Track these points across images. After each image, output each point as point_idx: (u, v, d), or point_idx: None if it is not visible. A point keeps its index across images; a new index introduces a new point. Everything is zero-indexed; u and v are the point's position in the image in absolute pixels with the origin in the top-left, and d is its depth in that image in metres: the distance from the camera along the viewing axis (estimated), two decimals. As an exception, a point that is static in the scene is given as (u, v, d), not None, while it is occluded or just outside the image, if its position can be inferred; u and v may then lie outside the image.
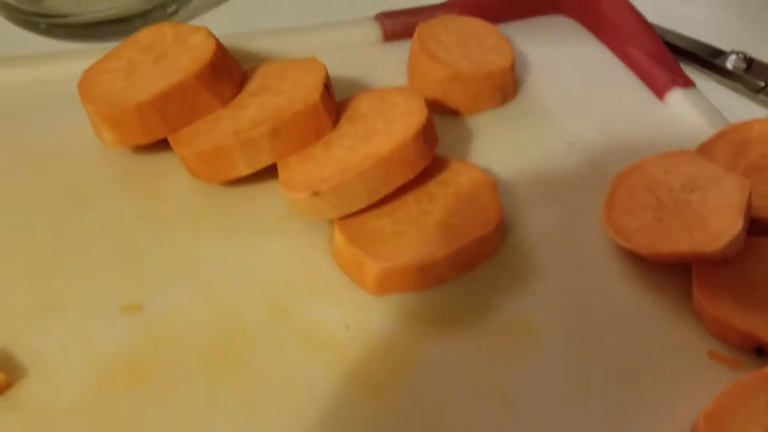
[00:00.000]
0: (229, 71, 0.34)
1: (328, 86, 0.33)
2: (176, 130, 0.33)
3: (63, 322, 0.29)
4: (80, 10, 0.42)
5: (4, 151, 0.35)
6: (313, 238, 0.32)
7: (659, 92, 0.40)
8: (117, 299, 0.30)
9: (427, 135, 0.32)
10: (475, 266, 0.31)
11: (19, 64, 0.38)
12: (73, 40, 0.42)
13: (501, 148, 0.37)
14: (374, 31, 0.42)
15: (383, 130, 0.32)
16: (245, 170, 0.32)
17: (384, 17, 0.42)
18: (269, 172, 0.33)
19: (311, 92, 0.32)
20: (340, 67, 0.39)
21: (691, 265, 0.30)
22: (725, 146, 0.34)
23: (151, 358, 0.28)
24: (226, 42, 0.37)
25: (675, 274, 0.31)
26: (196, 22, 0.44)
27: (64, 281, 0.30)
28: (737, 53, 0.42)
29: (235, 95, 0.34)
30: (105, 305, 0.29)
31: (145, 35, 0.35)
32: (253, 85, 0.35)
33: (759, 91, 0.41)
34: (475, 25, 0.40)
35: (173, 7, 0.43)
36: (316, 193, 0.30)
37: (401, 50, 0.41)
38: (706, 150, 0.34)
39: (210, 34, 0.34)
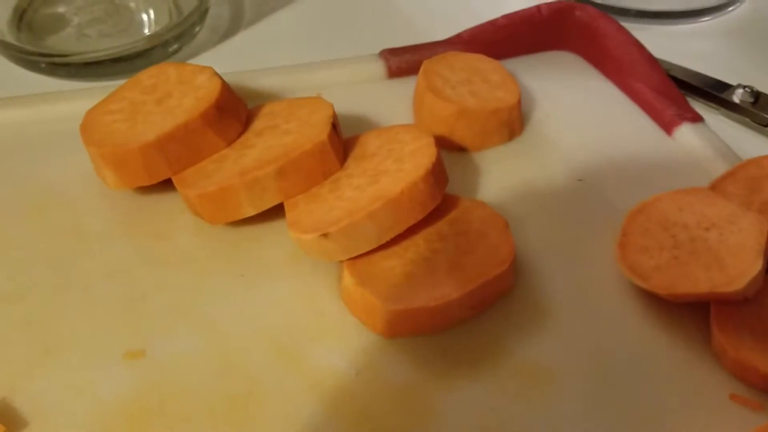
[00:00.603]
0: (234, 111, 0.33)
1: (335, 125, 0.33)
2: (180, 170, 0.32)
3: (63, 370, 0.28)
4: (81, 50, 0.41)
5: (6, 192, 0.34)
6: (321, 279, 0.31)
7: (667, 127, 0.40)
8: (119, 346, 0.29)
9: (437, 174, 0.31)
10: (488, 308, 0.31)
11: (21, 104, 0.38)
12: (75, 79, 0.41)
13: (510, 184, 0.36)
14: (379, 67, 0.42)
15: (392, 170, 0.31)
16: (251, 211, 0.32)
17: (388, 54, 0.42)
18: (275, 212, 0.32)
19: (319, 131, 0.32)
20: (345, 104, 0.39)
21: (709, 305, 0.30)
22: (738, 183, 0.33)
23: (153, 407, 0.27)
24: (230, 80, 0.36)
25: (693, 314, 0.30)
26: (198, 60, 0.44)
27: (65, 328, 0.29)
28: (744, 87, 0.42)
29: (240, 135, 0.34)
30: (107, 352, 0.29)
31: (148, 75, 0.35)
32: (258, 124, 0.34)
33: (767, 125, 0.41)
34: (480, 61, 0.40)
35: (175, 46, 0.43)
36: (325, 235, 0.29)
37: (406, 86, 0.41)
38: (718, 187, 0.34)
39: (215, 74, 0.34)
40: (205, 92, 0.33)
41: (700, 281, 0.29)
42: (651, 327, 0.30)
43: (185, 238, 0.33)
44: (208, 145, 0.32)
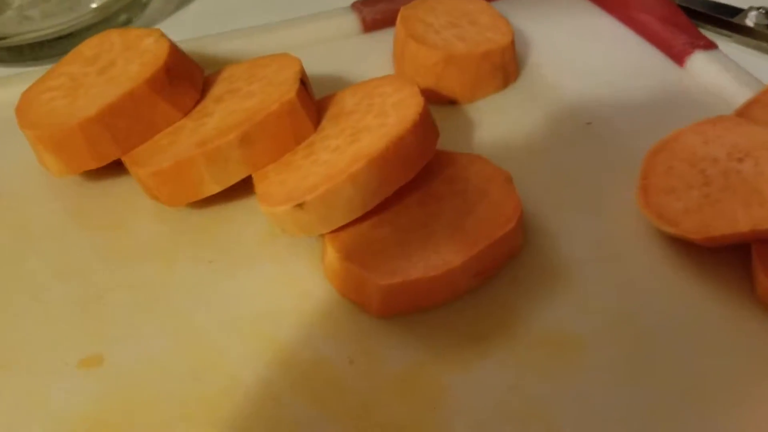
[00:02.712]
0: (188, 76, 0.29)
1: (305, 82, 0.29)
2: (130, 148, 0.28)
3: (13, 383, 0.24)
4: (22, 30, 0.37)
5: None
6: (302, 257, 0.28)
7: (678, 58, 0.35)
8: (74, 353, 0.25)
9: (425, 126, 0.27)
10: (495, 273, 0.27)
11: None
12: (20, 64, 0.37)
13: (509, 136, 0.32)
14: (352, 21, 0.37)
15: (374, 125, 0.27)
16: (215, 188, 0.28)
17: (361, 5, 0.38)
18: (244, 187, 0.28)
19: (286, 90, 0.28)
20: (318, 64, 0.35)
21: (750, 247, 0.26)
22: (766, 108, 0.29)
23: (117, 419, 0.23)
24: (188, 46, 0.32)
25: (732, 259, 0.26)
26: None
27: (14, 337, 0.26)
28: (757, 9, 0.38)
29: (197, 103, 0.29)
30: (59, 361, 0.25)
31: (90, 46, 0.30)
32: (217, 89, 0.30)
33: (788, 46, 0.37)
34: (466, 2, 0.36)
35: (124, 17, 0.39)
36: (300, 205, 0.25)
37: (384, 40, 0.37)
38: (745, 114, 0.29)
39: (162, 35, 0.30)
40: (152, 56, 0.28)
41: (739, 219, 0.25)
42: (685, 279, 0.26)
43: (144, 226, 0.29)
44: (160, 116, 0.28)
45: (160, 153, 0.28)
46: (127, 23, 0.39)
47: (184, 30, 0.39)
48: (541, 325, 0.25)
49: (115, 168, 0.29)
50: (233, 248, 0.28)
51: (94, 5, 0.39)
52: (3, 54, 0.37)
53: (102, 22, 0.38)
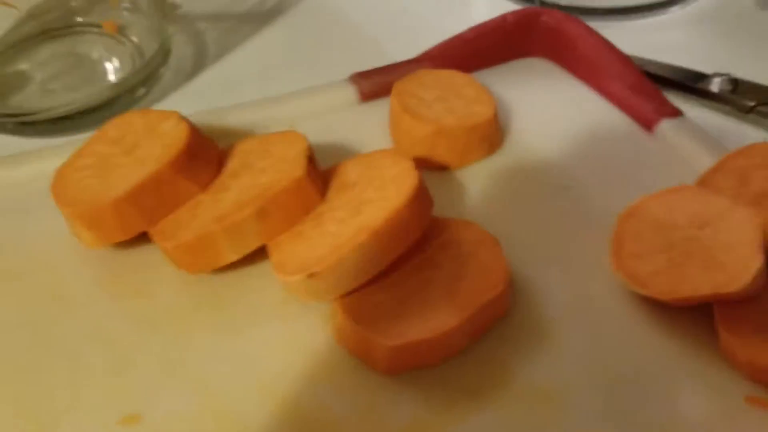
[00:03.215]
0: (205, 154, 0.33)
1: (311, 158, 0.32)
2: (155, 222, 0.31)
3: (58, 444, 0.27)
4: (47, 106, 0.40)
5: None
6: (311, 319, 0.30)
7: (647, 125, 0.39)
8: (114, 412, 0.28)
9: (421, 198, 0.30)
10: (486, 331, 0.30)
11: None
12: (45, 136, 0.40)
13: (495, 199, 0.36)
14: (350, 92, 0.41)
15: (375, 198, 0.30)
16: (232, 257, 0.31)
17: (358, 78, 0.41)
18: (256, 254, 0.31)
19: (295, 167, 0.31)
20: (320, 133, 0.38)
21: (712, 305, 0.29)
22: (727, 175, 0.33)
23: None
24: (199, 120, 0.35)
25: (698, 316, 0.30)
26: (166, 101, 0.43)
27: (57, 400, 0.28)
28: (721, 75, 0.42)
29: (214, 177, 0.33)
30: (102, 420, 0.28)
31: (114, 127, 0.34)
32: (232, 164, 0.33)
33: (749, 111, 0.40)
34: (452, 77, 0.39)
35: (142, 90, 0.42)
36: (312, 275, 0.28)
37: (380, 109, 0.40)
38: (707, 182, 0.33)
39: (182, 119, 0.33)
40: (173, 139, 0.32)
41: (700, 283, 0.28)
42: (656, 334, 0.30)
43: (167, 292, 0.31)
44: (182, 193, 0.31)
45: (182, 227, 0.31)
46: (144, 96, 0.42)
47: (194, 100, 0.43)
48: (528, 379, 0.28)
49: (141, 236, 0.32)
50: (248, 312, 0.31)
51: (112, 79, 0.43)
52: (29, 129, 0.40)
53: (122, 95, 0.41)
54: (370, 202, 0.30)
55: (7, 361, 0.29)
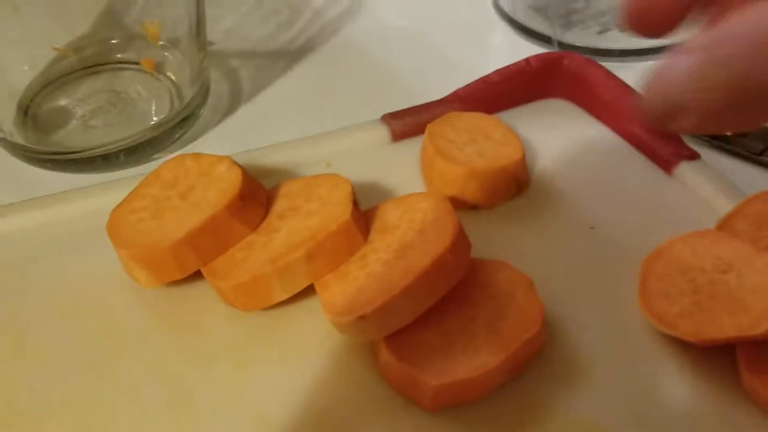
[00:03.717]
0: (256, 197, 0.34)
1: (355, 202, 0.34)
2: (209, 262, 0.33)
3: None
4: (89, 144, 0.42)
5: (38, 299, 0.34)
6: (358, 356, 0.32)
7: (667, 167, 0.41)
8: (171, 447, 0.29)
9: (461, 242, 0.32)
10: (524, 369, 0.32)
11: (38, 206, 0.38)
12: (86, 173, 0.42)
13: (525, 239, 0.38)
14: (382, 132, 0.42)
15: (417, 242, 0.32)
16: (283, 296, 0.33)
17: (390, 118, 0.43)
18: (304, 291, 0.33)
19: (342, 211, 0.33)
20: (354, 172, 0.39)
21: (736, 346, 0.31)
22: (746, 220, 0.35)
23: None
24: (240, 160, 0.37)
25: (722, 356, 0.31)
26: (204, 139, 0.44)
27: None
28: (732, 118, 0.44)
29: (263, 218, 0.34)
30: (160, 455, 0.29)
31: (167, 169, 0.35)
32: (279, 205, 0.35)
33: (760, 153, 0.43)
34: (480, 119, 0.41)
35: (181, 131, 0.44)
36: (362, 317, 0.30)
37: (411, 148, 0.42)
38: (726, 225, 0.35)
39: (234, 163, 0.34)
40: (228, 183, 0.33)
41: (725, 326, 0.30)
42: (683, 372, 0.31)
43: (221, 328, 0.33)
44: (235, 234, 0.33)
45: (236, 267, 0.32)
46: (182, 135, 0.44)
47: (232, 138, 0.44)
48: (567, 415, 0.30)
49: (193, 275, 0.34)
50: (297, 348, 0.33)
51: (153, 116, 0.44)
52: (71, 165, 0.42)
53: (160, 136, 0.43)
54: (413, 246, 0.32)
55: (73, 398, 0.31)
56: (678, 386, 0.31)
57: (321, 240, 0.32)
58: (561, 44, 0.51)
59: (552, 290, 0.35)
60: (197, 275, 0.34)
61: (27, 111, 0.44)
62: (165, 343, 0.33)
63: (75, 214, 0.38)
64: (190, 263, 0.33)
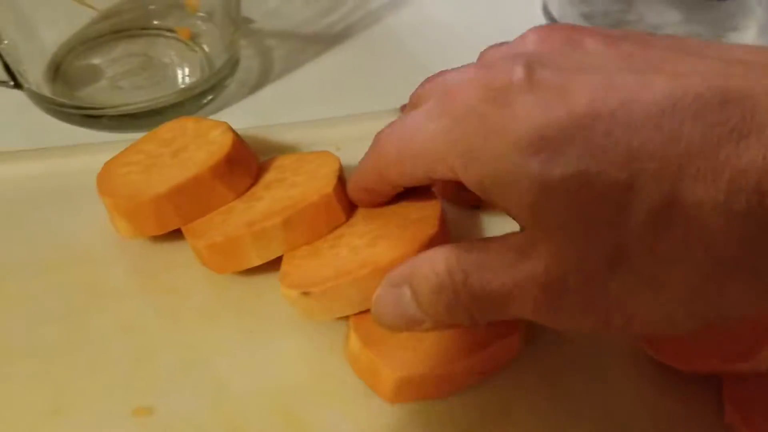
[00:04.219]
0: (245, 165, 0.34)
1: (341, 178, 0.33)
2: (189, 221, 0.33)
3: (71, 427, 0.28)
4: (115, 102, 0.43)
5: (25, 246, 0.34)
6: (327, 337, 0.31)
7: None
8: (129, 403, 0.29)
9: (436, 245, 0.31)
10: (496, 372, 0.30)
11: (44, 156, 0.38)
12: (108, 130, 0.42)
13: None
14: (399, 122, 0.41)
15: (393, 236, 0.31)
16: (257, 261, 0.32)
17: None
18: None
19: (325, 184, 0.32)
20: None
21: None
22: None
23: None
24: (251, 134, 0.37)
25: (707, 386, 0.29)
26: (226, 111, 0.44)
27: (75, 386, 0.30)
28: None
29: (249, 187, 0.34)
30: (116, 408, 0.29)
31: (167, 129, 0.36)
32: (268, 177, 0.35)
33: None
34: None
35: (207, 98, 0.44)
36: (306, 294, 0.29)
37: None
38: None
39: (229, 129, 0.34)
40: (217, 147, 0.33)
41: (712, 355, 0.28)
42: (663, 397, 0.29)
43: (196, 291, 0.33)
44: (218, 197, 0.33)
45: (213, 228, 0.32)
46: (210, 102, 0.44)
47: (254, 113, 0.44)
48: (531, 425, 0.28)
49: (175, 234, 0.33)
50: (269, 320, 0.32)
51: (180, 84, 0.45)
52: (95, 122, 0.43)
53: (188, 101, 0.43)
54: (388, 238, 0.31)
55: (37, 344, 0.31)
56: (656, 410, 0.29)
57: (300, 209, 0.31)
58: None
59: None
60: (180, 236, 0.33)
61: (59, 67, 0.45)
62: (139, 299, 0.32)
63: (72, 168, 0.37)
64: (169, 220, 0.33)
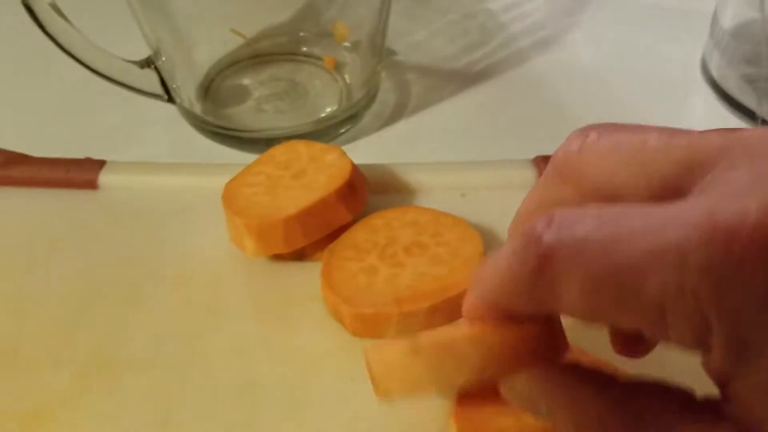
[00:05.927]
0: (361, 188, 0.36)
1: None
2: (312, 239, 0.35)
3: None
4: (258, 127, 0.45)
5: (155, 258, 0.36)
6: (430, 404, 0.30)
7: None
8: (228, 429, 0.29)
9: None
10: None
11: (182, 172, 0.40)
12: (242, 150, 0.44)
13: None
14: (529, 174, 0.39)
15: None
16: (393, 335, 0.32)
17: (542, 161, 0.40)
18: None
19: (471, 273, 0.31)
20: (486, 208, 0.37)
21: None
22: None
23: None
24: (380, 172, 0.38)
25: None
26: (359, 143, 0.45)
27: (185, 402, 0.30)
28: None
29: (362, 208, 0.36)
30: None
31: (280, 152, 0.37)
32: (405, 235, 0.34)
33: None
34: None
35: (347, 127, 0.45)
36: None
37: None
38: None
39: (344, 153, 0.36)
40: (338, 170, 0.35)
41: None
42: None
43: (308, 328, 0.33)
44: (339, 218, 0.35)
45: (360, 294, 0.32)
46: (345, 133, 0.45)
47: (385, 148, 0.44)
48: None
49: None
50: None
51: (320, 112, 0.46)
52: (236, 142, 0.45)
53: (324, 130, 0.44)
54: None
55: (156, 358, 0.32)
56: None
57: (447, 299, 0.31)
58: (765, 122, 0.46)
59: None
60: (300, 257, 0.35)
61: (210, 85, 0.47)
62: (254, 328, 0.33)
63: (213, 185, 0.38)
64: (296, 239, 0.34)
